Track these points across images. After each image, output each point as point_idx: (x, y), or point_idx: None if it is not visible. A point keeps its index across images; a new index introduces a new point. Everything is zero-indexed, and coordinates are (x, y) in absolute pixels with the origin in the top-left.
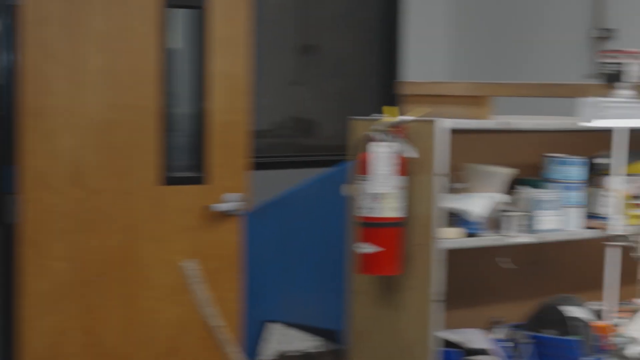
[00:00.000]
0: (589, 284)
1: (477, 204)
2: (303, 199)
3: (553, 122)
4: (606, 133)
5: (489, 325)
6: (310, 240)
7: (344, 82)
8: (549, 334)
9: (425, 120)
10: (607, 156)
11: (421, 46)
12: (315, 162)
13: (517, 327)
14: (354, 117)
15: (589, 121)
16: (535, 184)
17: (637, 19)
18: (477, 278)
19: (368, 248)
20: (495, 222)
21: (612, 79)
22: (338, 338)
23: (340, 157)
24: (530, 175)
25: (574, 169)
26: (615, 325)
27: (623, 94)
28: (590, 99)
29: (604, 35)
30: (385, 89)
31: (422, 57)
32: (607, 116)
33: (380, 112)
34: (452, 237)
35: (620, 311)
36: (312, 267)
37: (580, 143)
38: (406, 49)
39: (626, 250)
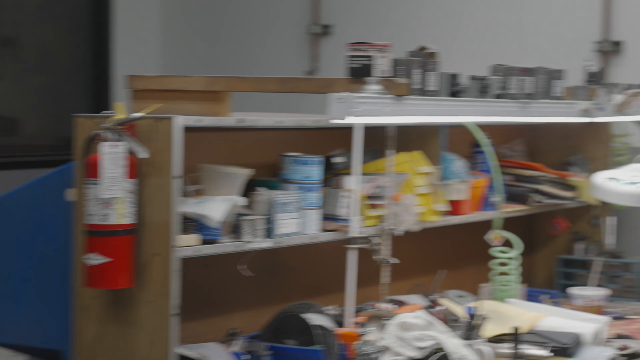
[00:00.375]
0: (329, 288)
1: (215, 208)
2: (17, 204)
3: (290, 119)
4: (341, 131)
5: (226, 338)
6: (26, 251)
7: (48, 77)
8: (289, 344)
9: (157, 118)
10: (344, 155)
11: (132, 38)
12: (17, 164)
13: (256, 338)
14: (79, 114)
15: (342, 118)
16: (273, 185)
17: (351, 15)
18: (210, 287)
19: (95, 259)
20: (232, 227)
21: (360, 73)
22: (62, 359)
23: (46, 157)
24: (268, 176)
25: (311, 169)
26: (361, 333)
27: (372, 89)
28: (341, 95)
29: (321, 31)
30: (97, 83)
31: (134, 50)
32: (358, 113)
33: (93, 108)
34: (189, 245)
35: (362, 316)
36: (29, 281)
37: (316, 141)
38: (116, 41)
39: (365, 252)
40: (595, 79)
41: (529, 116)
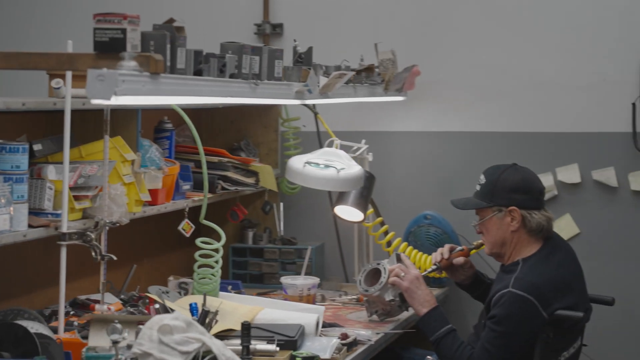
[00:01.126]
0: (39, 290)
1: None
2: None
3: None
4: (29, 115)
5: None
6: None
7: None
8: (5, 357)
9: None
10: (41, 142)
11: None
12: None
13: None
14: None
15: (107, 98)
16: None
17: None
18: None
19: None
20: None
21: (109, 48)
22: None
23: None
24: None
25: (21, 157)
26: (118, 340)
27: (128, 65)
28: (102, 72)
29: None
30: None
31: None
32: (121, 92)
33: None
34: None
35: (79, 320)
36: None
37: (16, 125)
38: None
39: (75, 247)
40: (303, 59)
41: (258, 97)
